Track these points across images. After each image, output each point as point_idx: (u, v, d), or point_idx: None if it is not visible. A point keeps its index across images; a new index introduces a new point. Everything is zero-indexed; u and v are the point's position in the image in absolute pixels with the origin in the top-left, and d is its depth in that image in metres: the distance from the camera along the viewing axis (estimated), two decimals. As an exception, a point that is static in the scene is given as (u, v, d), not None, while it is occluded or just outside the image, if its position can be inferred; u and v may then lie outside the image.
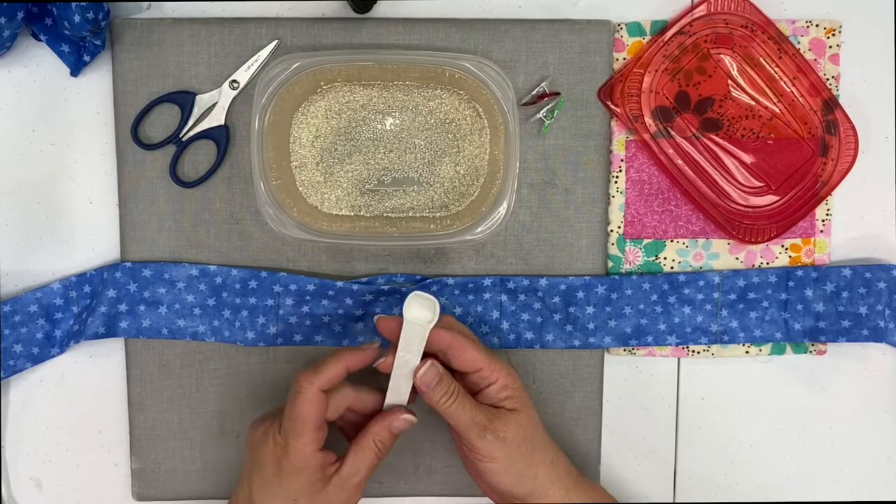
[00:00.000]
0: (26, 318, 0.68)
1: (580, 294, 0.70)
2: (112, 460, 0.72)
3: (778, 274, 0.70)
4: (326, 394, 0.59)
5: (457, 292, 0.69)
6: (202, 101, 0.68)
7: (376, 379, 0.63)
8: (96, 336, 0.68)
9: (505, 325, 0.70)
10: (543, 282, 0.69)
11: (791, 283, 0.70)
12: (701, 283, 0.70)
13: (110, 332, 0.68)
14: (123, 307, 0.69)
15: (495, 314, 0.70)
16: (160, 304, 0.69)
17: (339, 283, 0.69)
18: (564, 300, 0.70)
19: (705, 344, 0.70)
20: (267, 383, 0.70)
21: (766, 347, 0.72)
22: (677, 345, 0.70)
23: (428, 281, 0.69)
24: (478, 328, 0.70)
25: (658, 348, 0.71)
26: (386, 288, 0.69)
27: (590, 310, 0.70)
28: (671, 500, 0.73)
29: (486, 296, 0.70)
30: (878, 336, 0.70)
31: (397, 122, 0.69)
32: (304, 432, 0.58)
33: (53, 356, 0.69)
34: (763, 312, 0.70)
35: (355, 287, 0.69)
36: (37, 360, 0.69)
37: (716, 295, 0.70)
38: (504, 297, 0.70)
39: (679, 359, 0.72)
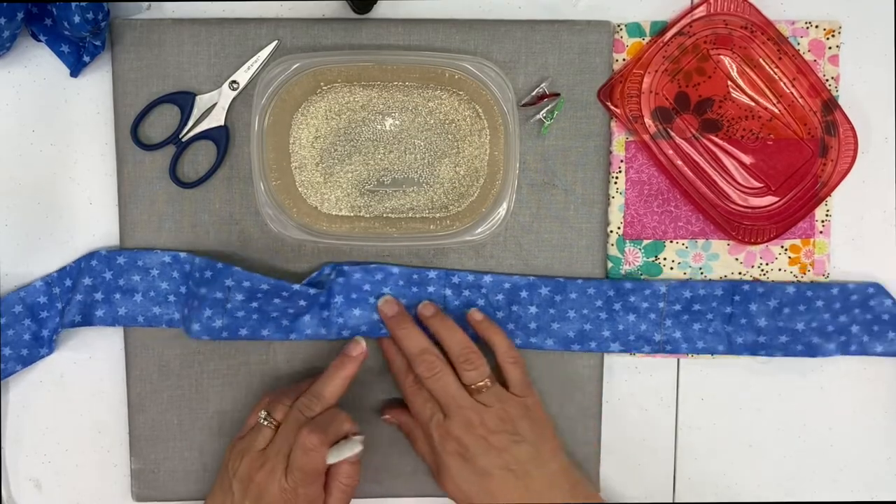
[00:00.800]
0: (12, 319, 0.68)
1: (524, 294, 0.70)
2: (111, 461, 0.72)
3: (724, 287, 0.70)
4: None
5: (401, 283, 0.69)
6: (202, 102, 0.68)
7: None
8: (73, 324, 0.68)
9: None
10: (488, 279, 0.69)
11: (737, 297, 0.70)
12: (647, 291, 0.70)
13: (86, 320, 0.68)
14: (99, 295, 0.68)
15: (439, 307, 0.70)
16: (135, 292, 0.68)
17: (296, 287, 0.67)
18: (508, 298, 0.70)
19: (647, 353, 0.70)
20: (266, 384, 0.70)
21: (766, 348, 0.72)
22: (620, 352, 0.70)
23: (372, 266, 0.68)
24: (419, 320, 0.69)
25: (657, 349, 0.71)
26: (328, 270, 0.68)
27: (532, 310, 0.70)
28: (671, 501, 0.73)
29: (431, 289, 0.69)
30: (812, 351, 0.70)
31: (397, 122, 0.69)
32: (315, 480, 0.63)
33: (43, 356, 0.69)
34: (707, 324, 0.70)
35: (312, 292, 0.68)
36: (26, 361, 0.69)
37: (661, 304, 0.70)
38: (448, 292, 0.69)
39: (678, 359, 0.72)
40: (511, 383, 0.66)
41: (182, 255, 0.68)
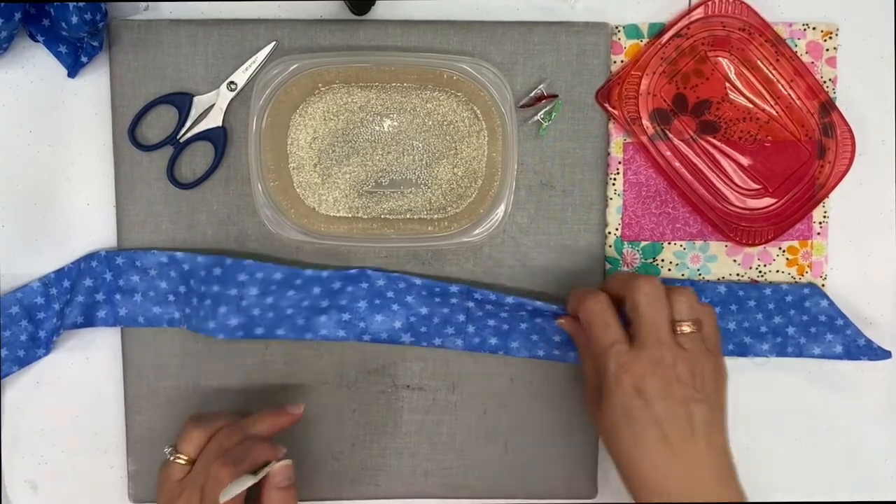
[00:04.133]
0: (8, 320, 0.68)
1: (547, 312, 0.69)
2: (108, 462, 0.71)
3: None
4: None
5: (424, 293, 0.69)
6: (200, 103, 0.68)
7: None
8: (75, 326, 0.68)
9: (470, 329, 0.70)
10: (510, 300, 0.68)
11: None
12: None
13: (88, 321, 0.68)
14: (101, 296, 0.68)
15: (461, 317, 0.69)
16: (135, 292, 0.68)
17: (308, 272, 0.68)
18: (531, 312, 0.69)
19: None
20: (263, 385, 0.70)
21: (763, 350, 0.72)
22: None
23: (395, 275, 0.68)
24: (443, 329, 0.69)
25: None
26: (354, 272, 0.68)
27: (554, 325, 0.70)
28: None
29: (454, 301, 0.69)
30: (743, 351, 0.70)
31: (395, 123, 0.69)
32: None
33: (39, 357, 0.69)
34: None
35: (324, 274, 0.68)
36: (23, 362, 0.68)
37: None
38: (471, 304, 0.69)
39: (676, 361, 0.72)
40: (706, 337, 0.61)
41: (179, 254, 0.68)
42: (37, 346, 0.68)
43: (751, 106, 0.69)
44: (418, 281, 0.68)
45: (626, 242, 0.71)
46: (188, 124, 0.68)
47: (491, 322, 0.69)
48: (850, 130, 0.69)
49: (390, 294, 0.69)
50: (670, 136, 0.69)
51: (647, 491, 0.59)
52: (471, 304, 0.69)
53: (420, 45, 0.68)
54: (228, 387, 0.70)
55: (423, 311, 0.69)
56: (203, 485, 0.60)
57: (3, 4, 0.62)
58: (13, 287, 0.69)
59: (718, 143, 0.70)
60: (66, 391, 0.71)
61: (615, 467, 0.62)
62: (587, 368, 0.65)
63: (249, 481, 0.59)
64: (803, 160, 0.70)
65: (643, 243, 0.71)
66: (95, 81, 0.69)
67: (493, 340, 0.70)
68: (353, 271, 0.68)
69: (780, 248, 0.71)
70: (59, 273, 0.68)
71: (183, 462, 0.63)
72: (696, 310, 0.61)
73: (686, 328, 0.61)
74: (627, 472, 0.60)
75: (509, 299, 0.68)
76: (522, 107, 0.69)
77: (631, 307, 0.61)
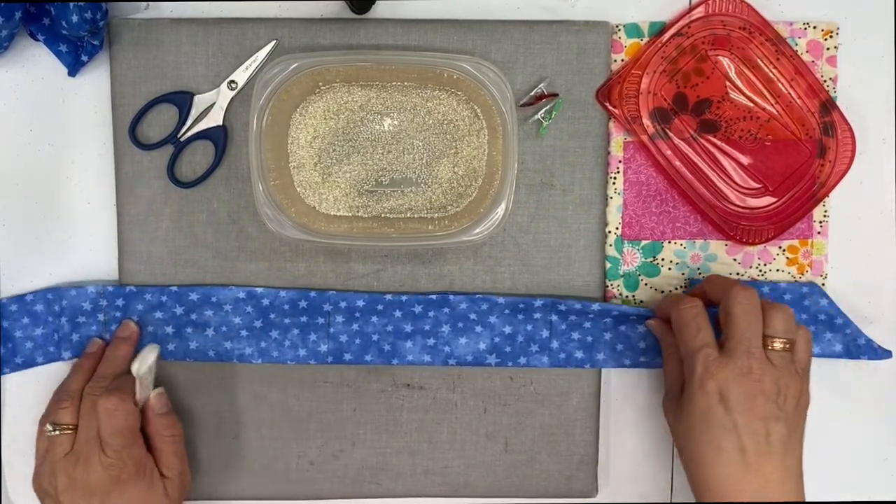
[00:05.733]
0: (47, 313, 0.68)
1: (633, 316, 0.69)
2: (109, 461, 0.71)
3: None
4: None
5: (507, 311, 0.69)
6: (200, 102, 0.68)
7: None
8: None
9: (555, 344, 0.70)
10: (595, 306, 0.69)
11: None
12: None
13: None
14: (170, 329, 0.69)
15: (545, 333, 0.70)
16: (207, 327, 0.69)
17: (388, 296, 0.69)
18: (615, 320, 0.70)
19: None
20: (263, 383, 0.70)
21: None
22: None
23: (478, 297, 0.69)
24: (527, 347, 0.70)
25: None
26: (435, 297, 0.69)
27: (640, 329, 0.70)
28: (668, 502, 0.73)
29: (537, 315, 0.69)
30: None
31: (395, 122, 0.69)
32: (133, 441, 0.62)
33: (64, 359, 0.69)
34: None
35: (404, 298, 0.69)
36: (50, 358, 0.69)
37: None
38: (554, 318, 0.70)
39: (677, 360, 0.72)
40: (797, 359, 0.63)
41: (259, 290, 0.68)
42: (66, 349, 0.69)
43: (751, 105, 0.69)
44: (501, 300, 0.69)
45: (626, 241, 0.71)
46: (188, 123, 0.68)
47: (575, 335, 0.70)
48: (850, 129, 0.69)
49: (473, 316, 0.69)
50: (671, 135, 0.69)
51: (716, 497, 0.61)
52: (554, 318, 0.69)
53: (420, 44, 0.68)
54: (228, 386, 0.70)
55: (507, 329, 0.69)
56: (96, 434, 0.62)
57: (3, 4, 0.62)
58: (14, 285, 0.69)
59: (719, 142, 0.70)
60: (66, 390, 0.71)
61: (684, 469, 0.63)
62: (669, 371, 0.67)
63: (153, 349, 0.64)
64: (804, 159, 0.70)
65: (643, 242, 0.71)
66: (96, 80, 0.69)
67: (579, 354, 0.70)
68: (433, 297, 0.69)
69: (780, 247, 0.71)
70: (118, 289, 0.68)
71: (70, 431, 0.64)
72: (791, 330, 0.62)
73: (778, 345, 0.62)
74: (698, 476, 0.62)
75: (595, 306, 0.69)
76: (523, 106, 0.69)
77: (724, 314, 0.63)
